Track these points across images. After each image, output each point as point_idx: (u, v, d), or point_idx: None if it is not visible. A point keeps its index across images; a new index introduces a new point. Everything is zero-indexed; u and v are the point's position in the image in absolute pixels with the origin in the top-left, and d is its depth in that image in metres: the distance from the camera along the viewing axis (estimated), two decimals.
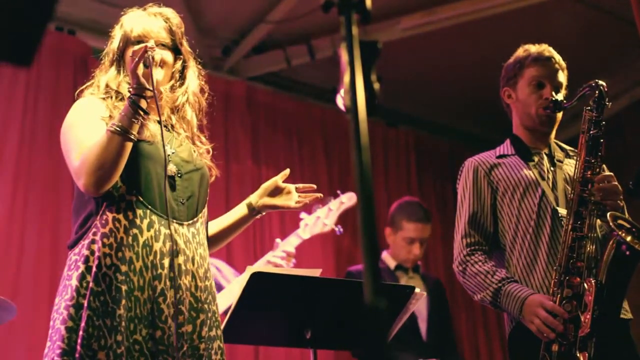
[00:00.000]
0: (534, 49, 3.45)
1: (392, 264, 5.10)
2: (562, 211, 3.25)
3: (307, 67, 6.33)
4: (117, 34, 2.94)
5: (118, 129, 2.63)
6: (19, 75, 5.15)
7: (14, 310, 3.69)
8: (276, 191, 3.13)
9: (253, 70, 6.37)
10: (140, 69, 2.68)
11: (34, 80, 5.23)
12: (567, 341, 3.02)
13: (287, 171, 3.11)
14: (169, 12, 2.97)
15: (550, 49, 3.46)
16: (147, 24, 2.90)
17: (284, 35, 6.10)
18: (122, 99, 2.83)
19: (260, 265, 4.04)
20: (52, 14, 1.26)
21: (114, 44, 2.92)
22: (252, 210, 3.10)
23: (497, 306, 3.21)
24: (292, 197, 3.14)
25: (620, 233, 3.04)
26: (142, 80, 2.67)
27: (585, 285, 3.04)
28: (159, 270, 2.68)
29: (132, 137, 2.66)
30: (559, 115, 3.40)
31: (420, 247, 5.08)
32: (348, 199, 4.28)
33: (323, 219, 4.18)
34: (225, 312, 4.14)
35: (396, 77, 6.15)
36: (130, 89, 2.69)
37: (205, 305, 2.77)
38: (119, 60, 2.91)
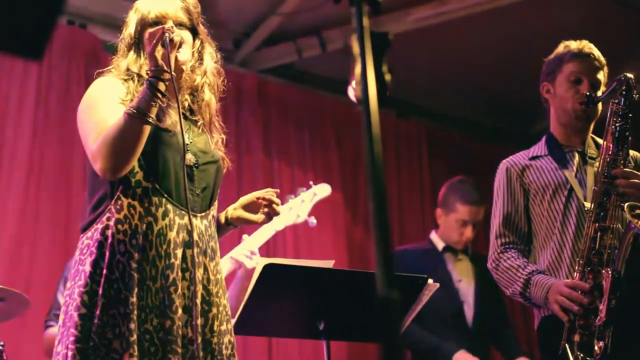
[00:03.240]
0: (574, 45, 3.48)
1: (440, 245, 5.03)
2: (589, 205, 3.26)
3: (318, 59, 6.31)
4: (131, 18, 2.88)
5: (136, 112, 2.59)
6: (31, 69, 5.16)
7: (28, 302, 3.71)
8: (255, 205, 3.00)
9: (264, 62, 6.36)
10: (159, 52, 2.63)
11: (46, 73, 5.24)
12: (589, 331, 3.04)
13: (273, 191, 2.99)
14: None
15: (591, 45, 3.48)
16: (164, 5, 2.85)
17: (294, 27, 6.09)
18: (143, 83, 2.78)
19: (224, 261, 4.00)
20: (63, 7, 1.26)
21: (130, 28, 2.87)
22: (227, 221, 3.02)
23: (526, 297, 3.26)
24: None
25: (637, 223, 3.04)
26: (161, 62, 2.62)
27: (604, 274, 3.05)
28: (172, 260, 2.65)
29: (150, 120, 2.61)
30: (597, 110, 3.42)
31: (472, 229, 5.02)
32: (321, 191, 4.22)
33: (296, 211, 4.12)
34: None
35: (407, 69, 6.13)
36: (148, 72, 2.65)
37: (217, 299, 2.76)
38: (137, 44, 2.85)
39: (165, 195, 2.71)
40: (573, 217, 3.29)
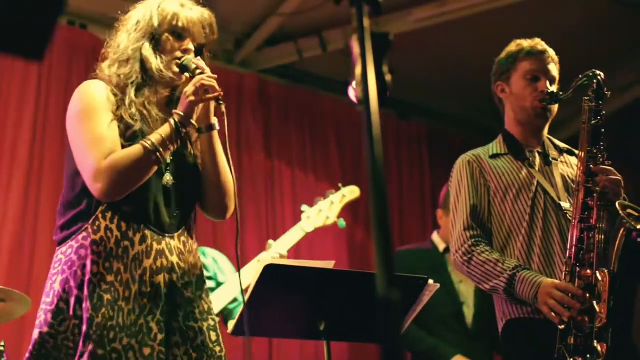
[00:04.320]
0: (526, 43, 3.47)
1: (441, 246, 5.01)
2: (565, 205, 3.24)
3: (318, 59, 6.32)
4: (154, 11, 2.81)
5: (155, 149, 2.58)
6: (32, 69, 5.16)
7: (29, 303, 3.71)
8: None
9: (265, 62, 6.36)
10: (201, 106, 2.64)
11: (46, 74, 5.25)
12: (583, 333, 3.00)
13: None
14: (212, 19, 2.90)
15: (543, 42, 3.47)
16: (192, 20, 2.82)
17: (295, 28, 6.09)
18: (139, 88, 2.74)
19: (252, 267, 4.02)
20: (63, 8, 1.26)
21: (153, 20, 2.79)
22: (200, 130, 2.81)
23: (510, 293, 3.16)
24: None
25: (630, 221, 3.03)
26: (195, 116, 2.64)
27: (599, 276, 3.02)
28: (149, 289, 2.63)
29: (162, 161, 2.63)
30: (554, 108, 3.40)
31: None
32: (350, 192, 4.26)
33: (326, 212, 4.16)
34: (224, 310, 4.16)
35: (408, 69, 6.13)
36: (178, 116, 2.62)
37: (205, 314, 2.75)
38: (157, 40, 2.79)
39: (144, 221, 2.67)
40: (540, 218, 3.25)
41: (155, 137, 2.61)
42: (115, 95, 2.73)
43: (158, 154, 2.59)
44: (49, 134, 5.17)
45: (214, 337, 2.74)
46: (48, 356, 2.54)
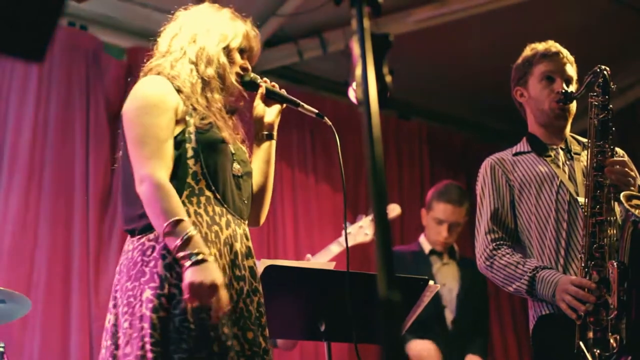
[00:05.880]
0: (540, 46, 3.50)
1: (427, 247, 5.06)
2: (581, 200, 3.26)
3: (319, 60, 6.31)
4: (228, 23, 2.95)
5: (174, 226, 2.51)
6: (32, 70, 5.16)
7: (29, 304, 3.71)
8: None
9: (265, 63, 6.34)
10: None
11: (47, 75, 5.24)
12: (601, 327, 3.04)
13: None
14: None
15: (557, 44, 3.49)
16: (256, 44, 3.02)
17: (295, 29, 6.09)
18: (215, 90, 2.84)
19: None
20: (64, 9, 1.26)
21: (228, 32, 2.92)
22: (262, 137, 3.11)
23: (532, 294, 3.23)
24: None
25: (635, 212, 3.04)
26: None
27: (609, 268, 3.05)
28: (242, 272, 2.67)
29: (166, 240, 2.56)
30: (573, 107, 3.43)
31: (448, 230, 4.99)
32: (391, 210, 4.28)
33: (365, 229, 4.22)
34: None
35: (408, 70, 6.13)
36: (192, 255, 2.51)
37: (263, 307, 2.76)
38: (228, 53, 2.90)
39: (225, 205, 2.71)
40: (565, 212, 3.29)
41: (188, 228, 2.54)
42: (179, 91, 2.76)
43: (170, 232, 2.53)
44: (49, 134, 5.16)
45: (267, 333, 2.74)
46: (168, 339, 2.50)
